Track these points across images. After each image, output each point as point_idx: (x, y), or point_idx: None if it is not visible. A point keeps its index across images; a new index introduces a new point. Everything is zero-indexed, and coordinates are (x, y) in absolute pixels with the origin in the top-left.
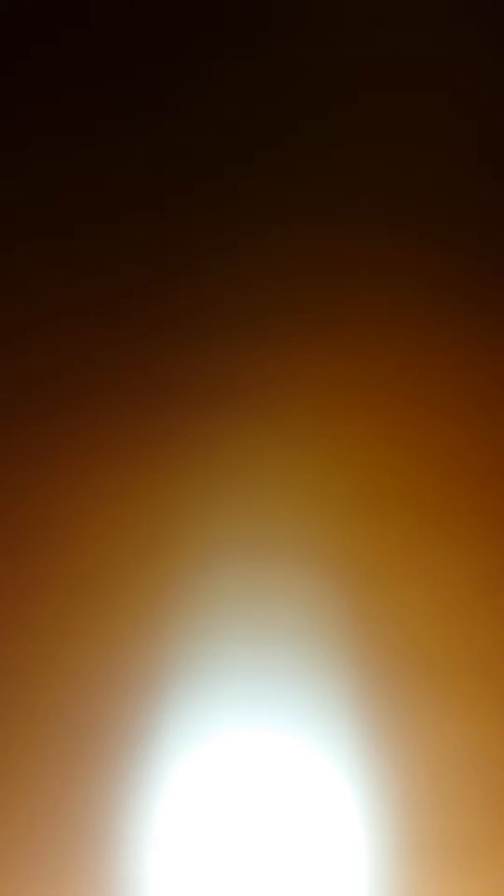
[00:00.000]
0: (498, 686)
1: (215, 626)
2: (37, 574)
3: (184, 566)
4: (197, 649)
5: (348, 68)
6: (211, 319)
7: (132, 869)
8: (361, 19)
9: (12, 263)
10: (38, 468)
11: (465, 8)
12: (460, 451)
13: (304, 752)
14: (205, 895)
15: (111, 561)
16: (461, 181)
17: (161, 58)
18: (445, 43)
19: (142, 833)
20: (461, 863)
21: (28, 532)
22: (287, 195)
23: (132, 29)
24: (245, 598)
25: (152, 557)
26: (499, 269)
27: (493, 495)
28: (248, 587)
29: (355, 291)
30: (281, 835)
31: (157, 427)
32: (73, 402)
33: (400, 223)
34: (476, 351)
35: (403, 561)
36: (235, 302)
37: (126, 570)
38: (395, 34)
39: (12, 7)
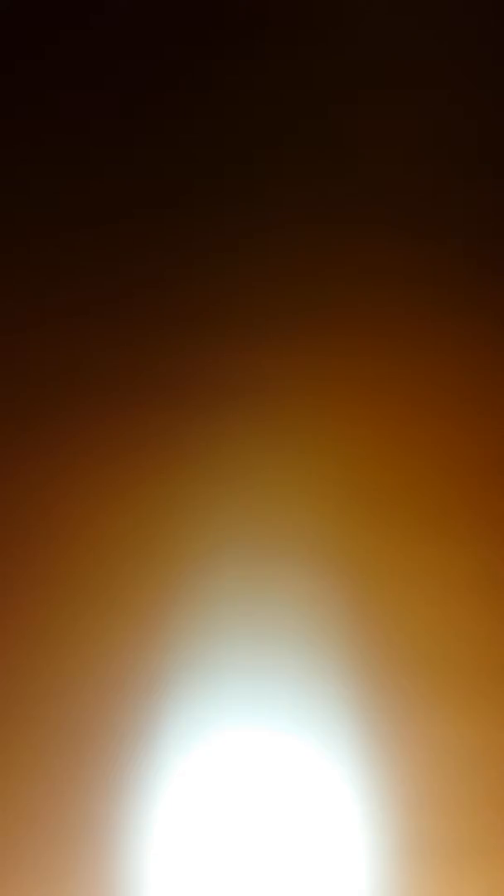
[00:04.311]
0: (498, 686)
1: (215, 626)
2: (37, 574)
3: (184, 566)
4: (197, 649)
5: (348, 68)
6: (211, 319)
7: (132, 869)
8: (361, 19)
9: (12, 263)
10: (38, 468)
11: (465, 8)
12: (460, 450)
13: (303, 752)
14: (205, 895)
15: (111, 561)
16: (461, 181)
17: (161, 58)
18: (445, 43)
19: (142, 833)
20: (461, 863)
21: (28, 532)
22: (287, 195)
23: (132, 29)
24: (245, 598)
25: (152, 557)
26: (499, 269)
27: (492, 495)
28: (248, 587)
29: (355, 291)
30: (281, 835)
31: (157, 427)
32: (73, 402)
33: (400, 223)
34: (476, 351)
35: (403, 561)
36: (235, 302)
37: (126, 569)
38: (395, 34)
39: (12, 7)
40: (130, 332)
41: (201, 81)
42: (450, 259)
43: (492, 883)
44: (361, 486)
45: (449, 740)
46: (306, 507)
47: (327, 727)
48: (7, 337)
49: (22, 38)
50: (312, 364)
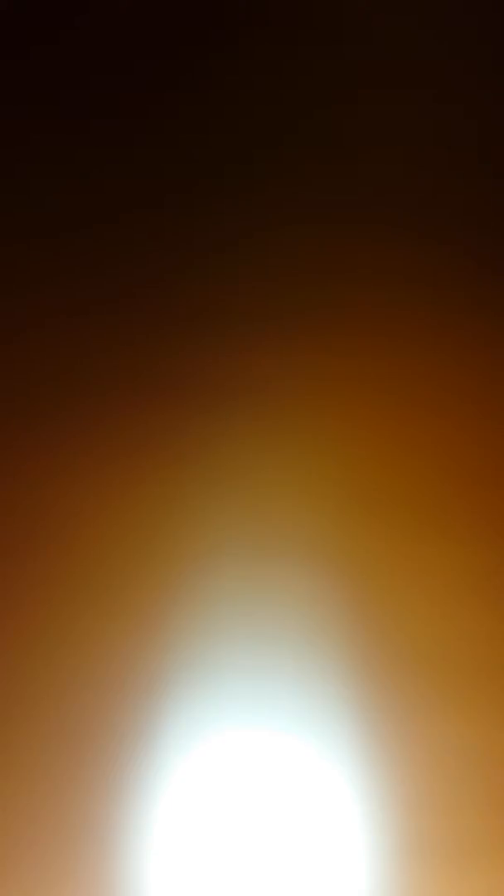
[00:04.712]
0: (497, 686)
1: (215, 626)
2: (37, 574)
3: (184, 566)
4: (197, 649)
5: (348, 68)
6: (211, 319)
7: (132, 869)
8: (361, 19)
9: (12, 263)
10: (39, 468)
11: (465, 8)
12: (460, 450)
13: (303, 752)
14: (205, 895)
15: (111, 560)
16: (461, 181)
17: (161, 58)
18: (445, 43)
19: (142, 833)
20: (461, 863)
21: (28, 532)
22: (287, 195)
23: (132, 29)
24: (245, 598)
25: (152, 557)
26: (499, 269)
27: (492, 495)
28: (248, 587)
29: (355, 291)
30: (281, 835)
31: (157, 427)
32: (73, 402)
33: (400, 223)
34: (476, 351)
35: (402, 560)
36: (235, 302)
37: (126, 569)
38: (395, 34)
39: (12, 7)
40: (130, 332)
41: (201, 81)
42: (450, 259)
43: (492, 883)
44: (361, 486)
45: (449, 740)
46: (306, 507)
47: (327, 727)
48: (7, 337)
49: (21, 38)
50: (312, 364)
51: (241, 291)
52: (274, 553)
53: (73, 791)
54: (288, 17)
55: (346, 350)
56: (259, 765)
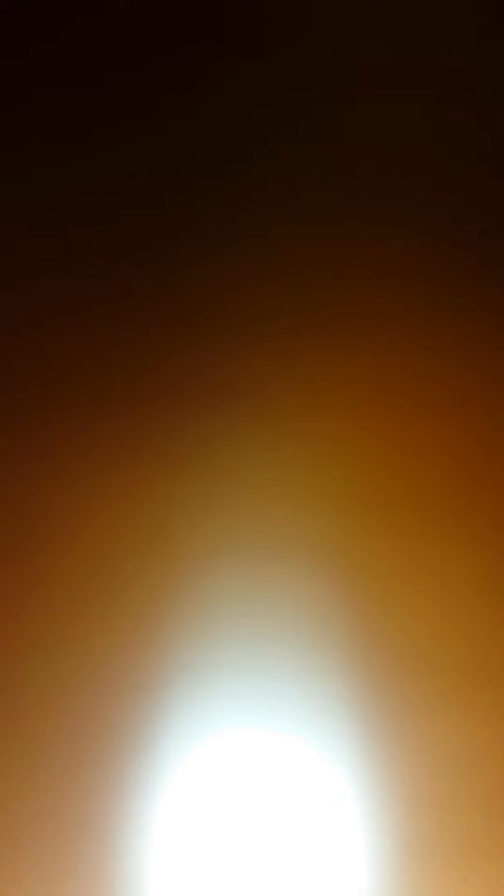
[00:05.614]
0: (498, 686)
1: (215, 627)
2: (37, 574)
3: (184, 566)
4: (197, 649)
5: (348, 68)
6: (210, 319)
7: (132, 869)
8: (361, 19)
9: (12, 263)
10: (38, 469)
11: (465, 8)
12: (460, 451)
13: (303, 753)
14: (205, 895)
15: (111, 561)
16: (461, 181)
17: (161, 58)
18: (445, 43)
19: (142, 834)
20: (461, 863)
21: (28, 533)
22: (287, 195)
23: (132, 29)
24: (245, 598)
25: (152, 558)
26: (499, 268)
27: (493, 495)
28: (248, 587)
29: (355, 291)
30: (281, 835)
31: (157, 427)
32: (73, 402)
33: (400, 223)
34: (476, 351)
35: (403, 561)
36: (235, 302)
37: (126, 570)
38: (395, 34)
39: (12, 7)
40: (130, 332)
41: (201, 81)
42: (450, 259)
43: (492, 883)
44: (361, 486)
45: (449, 740)
46: (306, 507)
47: (327, 727)
48: (7, 337)
49: (22, 38)
50: (312, 364)
51: (241, 291)
52: (274, 553)
53: (73, 791)
54: (288, 17)
55: (346, 350)
56: (259, 765)
